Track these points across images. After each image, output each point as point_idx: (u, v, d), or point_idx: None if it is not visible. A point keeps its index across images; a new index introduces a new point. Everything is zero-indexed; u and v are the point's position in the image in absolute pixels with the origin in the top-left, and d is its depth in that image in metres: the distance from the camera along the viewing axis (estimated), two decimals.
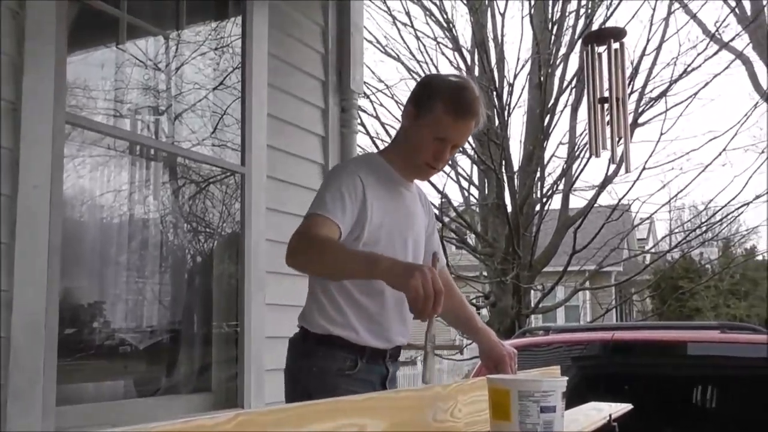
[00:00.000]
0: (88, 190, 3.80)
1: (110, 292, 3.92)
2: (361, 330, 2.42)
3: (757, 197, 14.20)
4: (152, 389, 3.93)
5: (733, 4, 15.80)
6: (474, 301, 14.34)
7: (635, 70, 13.09)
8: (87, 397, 3.54)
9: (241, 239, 4.12)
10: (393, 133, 13.38)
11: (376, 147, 13.06)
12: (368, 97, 12.97)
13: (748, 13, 15.93)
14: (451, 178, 13.84)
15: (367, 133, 13.05)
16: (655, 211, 15.18)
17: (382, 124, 13.40)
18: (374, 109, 13.41)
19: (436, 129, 2.45)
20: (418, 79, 13.49)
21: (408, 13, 13.89)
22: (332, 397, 1.53)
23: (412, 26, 13.91)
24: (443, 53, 14.21)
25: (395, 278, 2.04)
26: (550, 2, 13.43)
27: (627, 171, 4.87)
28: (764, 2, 15.58)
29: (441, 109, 2.44)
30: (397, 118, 13.78)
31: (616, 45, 4.02)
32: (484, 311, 14.71)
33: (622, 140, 4.10)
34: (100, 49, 3.94)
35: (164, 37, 4.17)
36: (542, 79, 13.23)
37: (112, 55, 3.93)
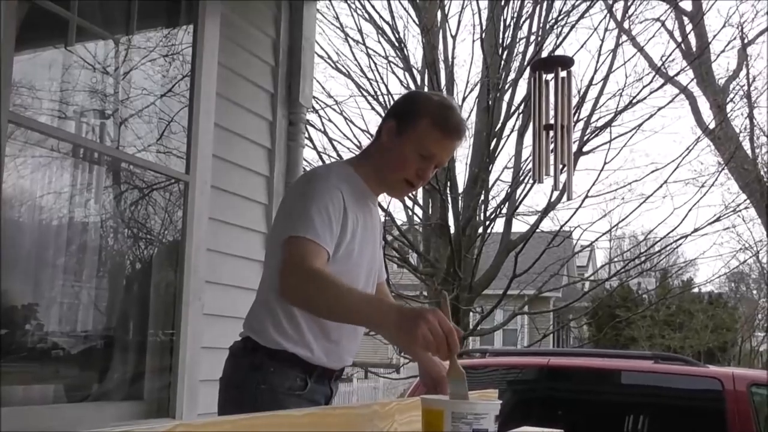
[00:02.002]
0: (29, 190, 3.74)
1: (45, 295, 3.85)
2: (316, 349, 2.34)
3: (696, 230, 14.48)
4: (83, 395, 3.86)
5: (680, 39, 16.17)
6: None
7: (582, 99, 13.30)
8: (14, 401, 3.47)
9: (181, 247, 4.08)
10: (340, 148, 13.45)
11: (323, 161, 13.06)
12: (317, 111, 12.98)
13: (694, 49, 16.31)
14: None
15: (315, 147, 13.06)
16: (596, 239, 15.40)
17: (330, 140, 13.42)
18: (323, 124, 13.42)
19: (422, 146, 2.38)
20: (368, 96, 13.54)
21: (360, 31, 13.91)
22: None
23: (364, 44, 13.97)
24: (394, 72, 14.27)
25: (402, 332, 1.89)
26: (502, 28, 13.59)
27: (569, 198, 4.94)
28: (709, 39, 15.95)
29: (429, 125, 2.38)
30: (344, 134, 13.82)
31: (563, 73, 4.09)
32: None
33: (565, 168, 4.15)
34: (48, 49, 3.89)
35: (114, 41, 4.13)
36: (490, 103, 13.36)
37: (60, 57, 3.88)
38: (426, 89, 13.92)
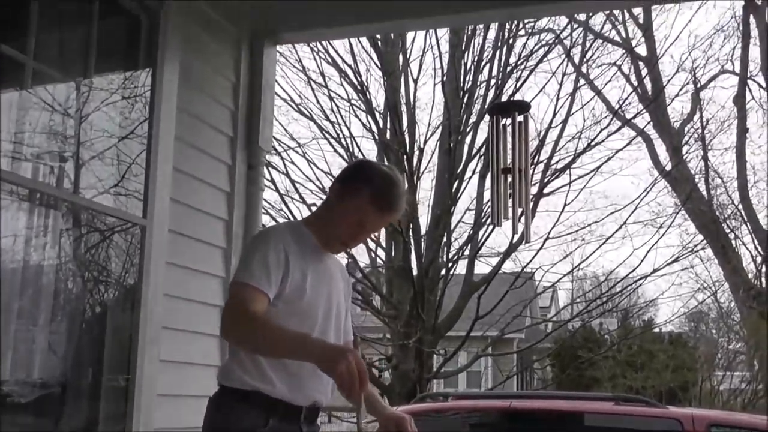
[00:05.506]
0: None
1: None
2: (277, 382, 2.45)
3: (655, 271, 14.64)
4: None
5: (636, 83, 16.46)
6: (376, 363, 14.30)
7: (542, 142, 13.48)
8: None
9: (138, 292, 4.03)
10: (303, 190, 13.48)
11: (285, 204, 13.08)
12: (279, 154, 12.99)
13: (650, 93, 16.61)
14: None
15: (277, 189, 13.06)
16: (558, 280, 15.53)
17: (293, 182, 13.42)
18: (285, 166, 13.43)
19: (358, 214, 2.57)
20: (330, 139, 13.62)
21: (323, 74, 13.98)
22: None
23: (327, 87, 14.03)
24: (356, 115, 14.32)
25: (323, 364, 2.14)
26: (462, 72, 13.73)
27: (527, 241, 4.99)
28: (664, 83, 16.25)
29: (367, 199, 2.55)
30: (307, 177, 13.84)
31: (520, 117, 4.13)
32: (386, 374, 14.67)
33: (524, 211, 4.19)
34: (6, 92, 3.85)
35: (72, 84, 4.11)
36: (452, 145, 13.46)
37: (16, 100, 3.84)
38: (388, 132, 14.01)
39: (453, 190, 13.75)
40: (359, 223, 2.58)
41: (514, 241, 13.16)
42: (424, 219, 13.94)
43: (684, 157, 17.28)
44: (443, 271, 14.00)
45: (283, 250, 2.49)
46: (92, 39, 4.08)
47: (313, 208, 12.97)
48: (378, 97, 14.65)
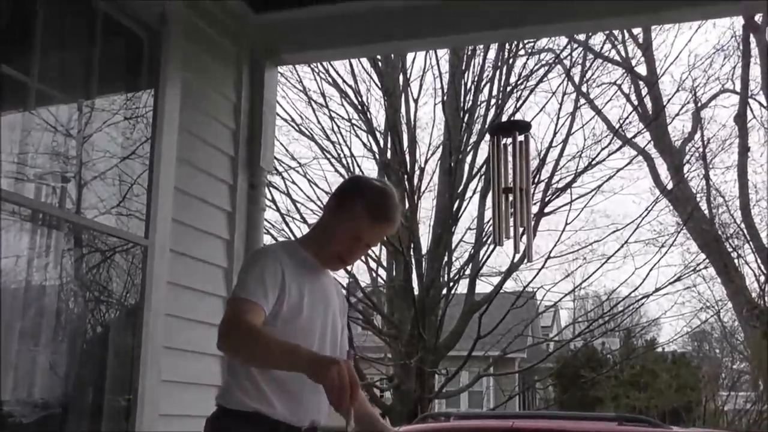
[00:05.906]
0: None
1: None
2: (278, 404, 2.46)
3: (657, 290, 14.62)
4: None
5: (636, 102, 16.50)
6: (377, 383, 14.27)
7: (542, 161, 13.48)
8: None
9: (139, 312, 4.04)
10: (304, 210, 13.49)
11: (286, 224, 13.09)
12: (280, 174, 13.00)
13: (650, 112, 16.64)
14: (360, 259, 13.86)
15: (278, 209, 13.06)
16: (559, 300, 15.50)
17: (293, 202, 13.42)
18: (286, 186, 13.44)
19: (354, 227, 2.60)
20: (331, 159, 13.64)
21: (323, 94, 14.02)
22: None
23: (327, 107, 14.07)
24: (357, 135, 14.35)
25: (314, 370, 2.15)
26: (463, 91, 13.78)
27: (529, 260, 4.99)
28: (664, 102, 16.28)
29: (362, 211, 2.60)
30: (308, 197, 13.85)
31: (520, 137, 4.15)
32: (388, 394, 14.63)
33: (525, 230, 4.19)
34: (10, 113, 3.87)
35: (75, 105, 4.12)
36: (452, 165, 13.48)
37: (19, 121, 3.86)
38: (388, 152, 14.03)
39: (454, 209, 13.76)
40: (356, 237, 2.62)
41: (515, 260, 13.18)
42: (425, 238, 13.97)
43: (685, 176, 17.31)
44: (444, 291, 13.99)
45: (279, 268, 2.52)
46: (95, 60, 4.12)
47: None
48: (378, 117, 14.71)
